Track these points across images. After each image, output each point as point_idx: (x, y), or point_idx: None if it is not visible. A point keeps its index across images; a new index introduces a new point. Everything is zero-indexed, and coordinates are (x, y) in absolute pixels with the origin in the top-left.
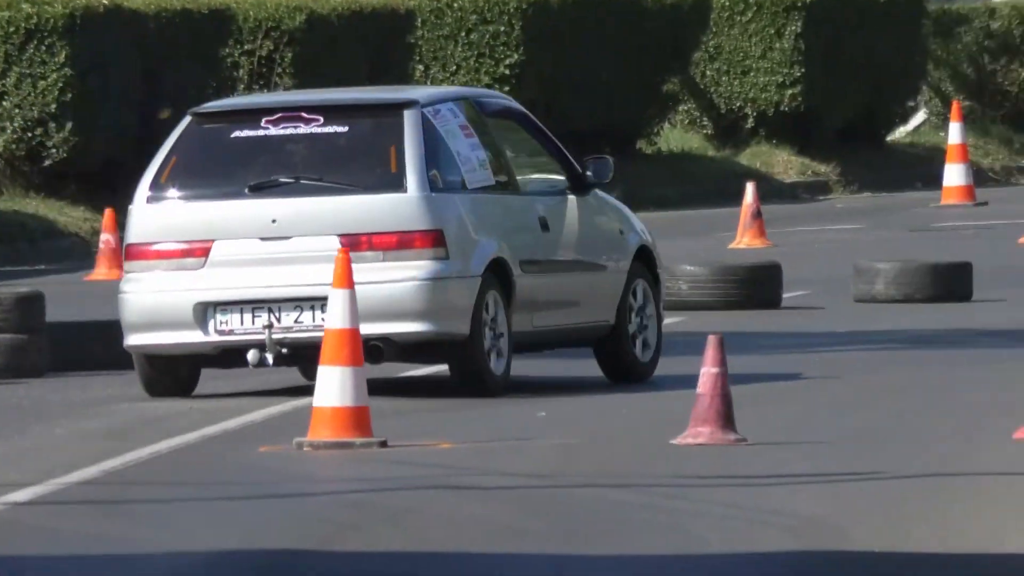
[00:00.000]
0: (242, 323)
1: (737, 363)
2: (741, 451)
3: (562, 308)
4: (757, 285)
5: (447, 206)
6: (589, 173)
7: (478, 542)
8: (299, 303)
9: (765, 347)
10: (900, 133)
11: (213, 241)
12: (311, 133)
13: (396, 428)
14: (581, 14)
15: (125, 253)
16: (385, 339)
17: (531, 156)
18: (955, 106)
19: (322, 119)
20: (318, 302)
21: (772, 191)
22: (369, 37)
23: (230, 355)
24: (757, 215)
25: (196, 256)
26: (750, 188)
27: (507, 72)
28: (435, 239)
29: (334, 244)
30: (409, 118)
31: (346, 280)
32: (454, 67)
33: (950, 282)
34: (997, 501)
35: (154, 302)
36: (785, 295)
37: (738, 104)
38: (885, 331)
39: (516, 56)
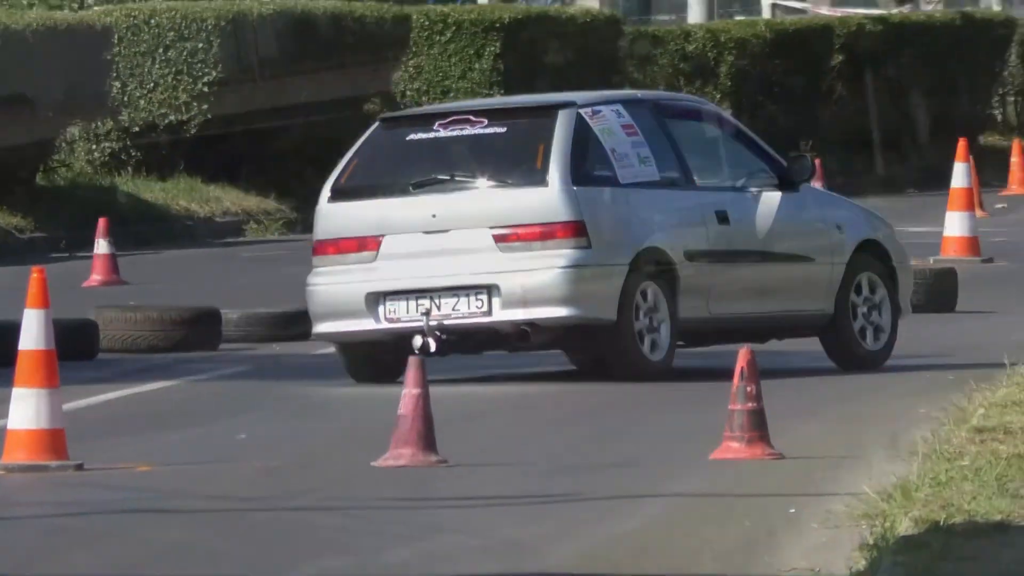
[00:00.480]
0: (407, 311)
1: (440, 384)
2: (442, 472)
3: (749, 297)
4: None
5: (590, 199)
6: (792, 169)
7: (175, 566)
8: (456, 291)
9: (470, 367)
10: None
11: (383, 236)
12: (474, 134)
13: (94, 451)
14: (281, 30)
15: (312, 249)
16: (531, 324)
17: (731, 155)
18: None
19: (486, 121)
20: (473, 290)
21: None
22: (65, 53)
23: (400, 341)
24: None
25: (369, 250)
26: None
27: (205, 89)
28: (576, 230)
29: (487, 236)
30: (562, 118)
31: (40, 300)
32: (152, 84)
33: None
34: (694, 522)
35: (333, 293)
36: None
37: None
38: None
39: (215, 73)
